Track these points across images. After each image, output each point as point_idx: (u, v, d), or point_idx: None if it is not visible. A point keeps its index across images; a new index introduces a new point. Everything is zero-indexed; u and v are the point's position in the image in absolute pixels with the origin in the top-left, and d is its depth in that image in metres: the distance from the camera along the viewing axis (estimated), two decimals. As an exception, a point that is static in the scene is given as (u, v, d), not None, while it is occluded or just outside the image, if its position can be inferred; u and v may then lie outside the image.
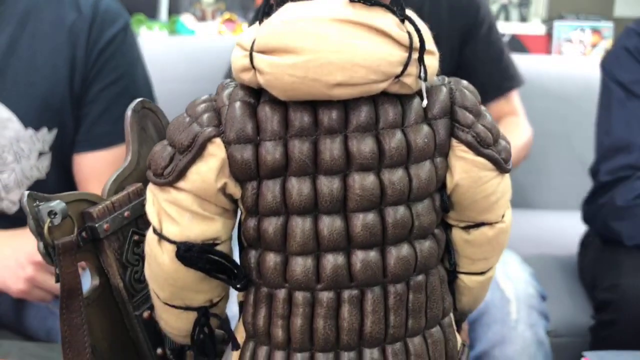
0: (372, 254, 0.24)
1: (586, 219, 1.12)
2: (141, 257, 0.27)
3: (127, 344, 0.28)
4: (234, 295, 0.27)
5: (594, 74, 1.53)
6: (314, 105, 0.24)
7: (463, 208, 0.28)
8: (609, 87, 1.06)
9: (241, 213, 0.26)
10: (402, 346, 0.25)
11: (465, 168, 0.27)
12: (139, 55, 1.03)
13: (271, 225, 0.24)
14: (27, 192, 0.27)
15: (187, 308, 0.26)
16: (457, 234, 0.28)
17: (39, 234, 0.25)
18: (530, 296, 0.93)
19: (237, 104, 0.25)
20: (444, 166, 0.27)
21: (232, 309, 0.28)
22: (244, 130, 0.25)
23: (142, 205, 0.26)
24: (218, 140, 0.25)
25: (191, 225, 0.25)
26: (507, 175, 0.30)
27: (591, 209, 1.07)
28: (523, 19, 2.36)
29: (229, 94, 0.26)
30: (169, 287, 0.25)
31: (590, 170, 1.12)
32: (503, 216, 0.29)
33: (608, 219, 1.00)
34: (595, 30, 2.19)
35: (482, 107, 0.28)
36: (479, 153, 0.27)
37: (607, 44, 2.15)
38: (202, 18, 2.28)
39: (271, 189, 0.24)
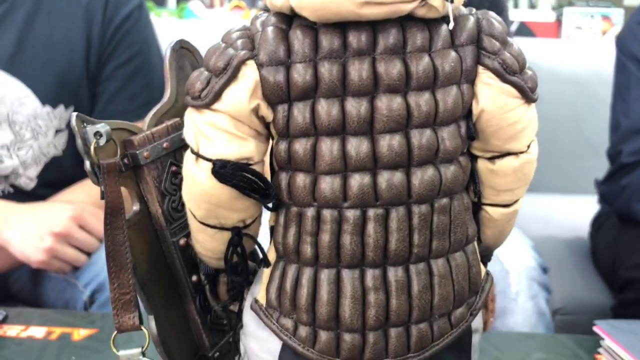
0: (398, 175, 0.25)
1: (605, 199, 1.12)
2: (179, 187, 0.29)
3: (164, 269, 0.30)
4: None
5: (603, 58, 1.53)
6: (343, 28, 0.25)
7: (488, 136, 0.28)
8: (625, 66, 1.05)
9: (273, 140, 0.27)
10: (425, 266, 0.26)
11: (491, 94, 0.28)
12: (154, 34, 1.05)
13: (301, 146, 0.25)
14: (75, 114, 0.28)
15: (222, 228, 0.27)
16: (483, 165, 0.29)
17: (85, 152, 0.27)
18: (530, 268, 0.94)
19: (270, 29, 0.26)
20: (471, 93, 0.28)
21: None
22: (276, 53, 0.26)
23: (180, 138, 0.27)
24: (251, 63, 0.26)
25: (226, 144, 0.26)
26: (533, 106, 0.30)
27: (612, 190, 1.06)
28: (532, 5, 2.35)
29: (261, 21, 0.27)
30: (205, 204, 0.26)
31: (608, 152, 1.11)
32: (528, 147, 0.29)
33: (632, 200, 1.00)
34: (606, 17, 2.18)
35: (509, 37, 0.29)
36: (504, 80, 0.28)
37: (617, 30, 2.14)
38: (210, 5, 2.29)
39: (301, 111, 0.25)
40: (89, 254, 0.88)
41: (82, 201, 0.90)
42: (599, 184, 1.13)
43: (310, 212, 0.26)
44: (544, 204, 1.53)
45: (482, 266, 0.30)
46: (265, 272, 0.27)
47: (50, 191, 0.96)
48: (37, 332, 0.70)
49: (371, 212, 0.25)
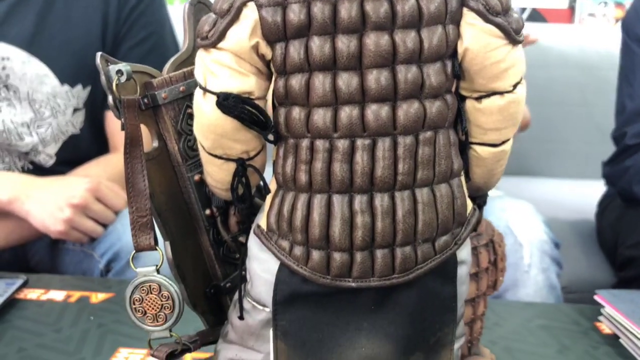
0: (384, 108, 0.27)
1: (609, 180, 1.13)
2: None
3: (181, 203, 0.32)
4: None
5: (613, 43, 1.53)
6: None
7: (473, 75, 0.29)
8: (631, 49, 1.06)
9: (273, 79, 0.29)
10: (410, 194, 0.28)
11: (475, 34, 0.29)
12: (167, 15, 1.07)
13: (297, 81, 0.28)
14: (100, 53, 0.31)
15: (227, 159, 0.30)
16: (470, 104, 0.30)
17: (108, 88, 0.29)
18: (543, 242, 0.95)
19: None
20: (456, 33, 0.29)
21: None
22: None
23: (196, 84, 0.29)
24: (251, 4, 0.28)
25: (229, 79, 0.28)
26: (519, 47, 0.31)
27: (615, 171, 1.07)
28: (544, -8, 2.34)
29: None
30: (211, 134, 0.29)
31: (613, 134, 1.12)
32: (515, 87, 0.30)
33: (634, 181, 1.00)
34: (619, 4, 2.17)
35: None
36: (487, 20, 0.29)
37: (630, 18, 2.12)
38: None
39: (297, 48, 0.28)
40: (105, 225, 0.91)
41: (98, 176, 0.93)
42: (604, 165, 1.14)
43: (304, 142, 0.28)
44: (553, 188, 1.54)
45: (469, 201, 0.31)
46: (267, 202, 0.30)
47: (68, 168, 0.99)
48: (57, 295, 0.74)
49: (359, 142, 0.27)
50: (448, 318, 0.30)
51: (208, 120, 0.29)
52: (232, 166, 0.30)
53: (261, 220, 0.30)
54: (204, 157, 0.30)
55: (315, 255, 0.28)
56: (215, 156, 0.30)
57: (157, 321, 0.30)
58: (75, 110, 1.02)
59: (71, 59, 0.99)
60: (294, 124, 0.28)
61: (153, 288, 0.30)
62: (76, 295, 0.74)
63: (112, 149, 1.08)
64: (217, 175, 0.31)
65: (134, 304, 0.30)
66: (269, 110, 0.30)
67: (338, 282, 0.28)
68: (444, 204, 0.29)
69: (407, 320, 0.29)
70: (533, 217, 1.01)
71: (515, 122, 0.31)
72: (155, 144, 0.32)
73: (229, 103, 0.28)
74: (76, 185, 0.89)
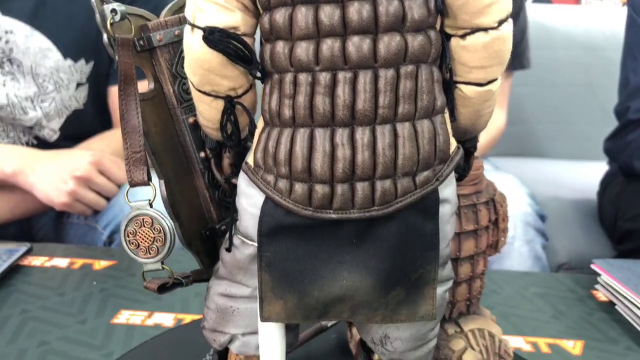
0: (366, 40, 0.27)
1: (610, 154, 1.13)
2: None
3: (176, 146, 0.33)
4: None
5: (618, 23, 1.51)
6: None
7: (456, 10, 0.29)
8: (636, 23, 1.05)
9: (259, 18, 0.30)
10: (391, 128, 0.28)
11: None
12: (169, -9, 1.07)
13: (280, 15, 0.28)
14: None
15: (216, 96, 0.30)
16: (455, 42, 0.30)
17: (103, 27, 0.30)
18: (526, 214, 0.96)
19: None
20: None
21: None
22: None
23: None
24: None
25: (216, 14, 0.28)
26: None
27: (617, 146, 1.07)
28: (551, -25, 2.32)
29: None
30: (199, 69, 0.29)
31: (616, 109, 1.11)
32: (500, 25, 0.29)
33: (635, 155, 1.00)
34: (626, -13, 2.14)
35: None
36: None
37: None
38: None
39: None
40: (108, 198, 0.93)
41: (101, 150, 0.94)
42: (606, 140, 1.14)
43: (288, 77, 0.28)
44: (556, 169, 1.53)
45: (452, 139, 0.31)
46: (255, 140, 0.31)
47: (72, 144, 1.01)
48: (60, 262, 0.75)
49: (341, 75, 0.28)
50: (430, 255, 0.30)
51: (196, 55, 0.29)
52: (220, 104, 0.31)
53: (249, 157, 0.31)
54: (194, 95, 0.31)
55: (298, 187, 0.29)
56: (204, 93, 0.30)
57: (150, 253, 0.31)
58: (79, 85, 1.03)
59: (74, 33, 1.00)
60: (278, 58, 0.29)
61: (146, 221, 0.30)
62: (79, 262, 0.75)
63: (115, 124, 1.09)
64: (208, 114, 0.31)
65: (128, 236, 0.31)
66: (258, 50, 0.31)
67: (319, 213, 0.29)
68: (425, 139, 0.29)
69: (387, 255, 0.29)
70: (517, 190, 1.01)
71: (501, 61, 0.30)
72: (152, 85, 0.32)
73: (214, 37, 0.28)
74: (80, 158, 0.90)
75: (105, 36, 0.29)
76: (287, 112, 0.29)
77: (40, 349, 0.55)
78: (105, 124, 1.08)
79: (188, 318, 0.61)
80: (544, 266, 0.94)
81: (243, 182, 0.31)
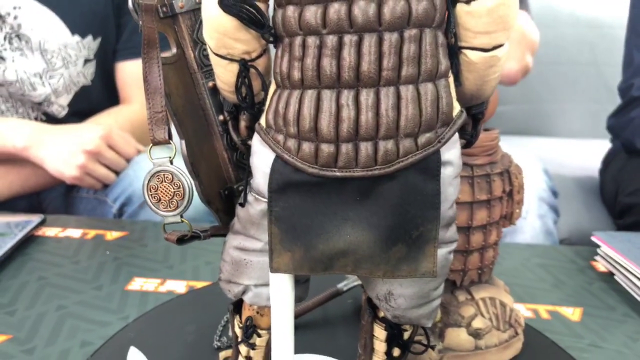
0: (371, 5, 0.28)
1: (613, 131, 1.14)
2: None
3: (197, 109, 0.34)
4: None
5: (624, 1, 1.51)
6: None
7: None
8: None
9: None
10: (394, 90, 0.29)
11: None
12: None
13: None
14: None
15: (231, 59, 0.32)
16: (459, 7, 0.30)
17: (129, -7, 0.31)
18: (541, 189, 0.97)
19: None
20: None
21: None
22: None
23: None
24: None
25: None
26: None
27: (620, 123, 1.08)
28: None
29: None
30: (215, 33, 0.30)
31: (620, 87, 1.12)
32: None
33: (637, 132, 1.01)
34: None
35: None
36: None
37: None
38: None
39: None
40: (117, 173, 0.94)
41: (109, 125, 0.95)
42: (609, 117, 1.15)
43: (297, 40, 0.30)
44: (560, 147, 1.54)
45: (456, 103, 0.32)
46: (267, 102, 0.32)
47: (80, 120, 1.02)
48: (74, 233, 0.77)
49: (346, 38, 0.29)
50: (431, 214, 0.31)
51: (212, 19, 0.30)
52: (236, 67, 0.32)
53: (262, 118, 0.33)
54: (212, 59, 0.32)
55: (305, 146, 0.30)
56: (220, 56, 0.32)
57: (170, 207, 0.32)
58: (86, 61, 1.04)
59: (81, 10, 1.00)
60: (288, 22, 0.30)
61: (167, 177, 0.32)
62: (92, 233, 0.77)
63: (122, 100, 1.10)
64: (224, 77, 0.33)
65: (150, 191, 0.32)
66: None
67: (325, 171, 0.30)
68: (428, 101, 0.30)
69: (389, 212, 0.30)
70: (533, 165, 1.02)
71: (506, 27, 0.30)
72: (174, 50, 0.34)
73: (229, 2, 0.29)
74: (89, 133, 0.91)
75: (130, 2, 0.30)
76: (296, 74, 0.30)
77: (58, 313, 0.57)
78: (112, 100, 1.09)
79: (199, 285, 0.63)
80: (555, 241, 0.96)
81: (256, 142, 0.33)
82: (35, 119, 1.02)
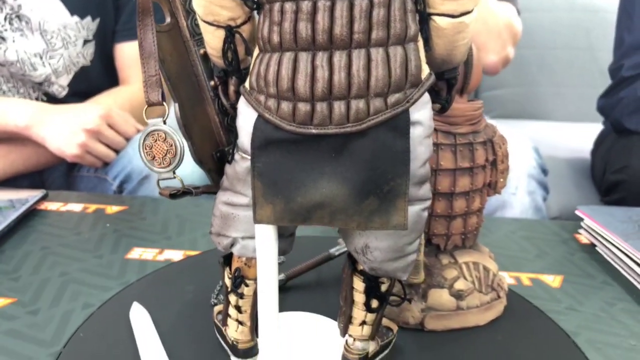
0: None
1: (603, 111, 1.16)
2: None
3: (190, 75, 0.37)
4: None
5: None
6: None
7: None
8: None
9: None
10: (365, 52, 0.31)
11: None
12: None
13: None
14: None
15: (218, 25, 0.34)
16: None
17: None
18: (530, 166, 0.99)
19: None
20: None
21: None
22: None
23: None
24: None
25: None
26: None
27: (609, 103, 1.10)
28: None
29: None
30: (202, 0, 0.33)
31: (610, 68, 1.14)
32: None
33: (625, 112, 1.03)
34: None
35: None
36: None
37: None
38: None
39: None
40: (117, 151, 0.96)
41: (109, 105, 0.97)
42: (599, 98, 1.17)
43: (276, 6, 0.32)
44: (553, 130, 1.56)
45: (425, 66, 0.34)
46: (251, 66, 0.35)
47: (80, 100, 1.04)
48: (75, 207, 0.79)
49: (320, 4, 0.31)
50: (400, 170, 0.33)
51: None
52: (222, 33, 0.34)
53: (247, 82, 0.35)
54: (201, 26, 0.34)
55: (284, 105, 0.32)
56: (208, 23, 0.34)
57: (163, 164, 0.35)
58: (86, 42, 1.05)
59: (80, -10, 1.02)
60: None
61: (160, 136, 0.35)
62: (92, 207, 0.79)
63: (121, 81, 1.12)
64: (212, 43, 0.35)
65: (145, 149, 0.35)
66: None
67: (302, 128, 0.32)
68: (397, 63, 0.32)
69: (361, 167, 0.33)
70: (523, 143, 1.05)
71: None
72: (169, 20, 0.36)
73: None
74: (89, 112, 0.93)
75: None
76: (275, 38, 0.32)
77: (61, 278, 0.60)
78: (112, 81, 1.11)
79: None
80: (543, 217, 0.98)
81: (241, 103, 0.35)
82: (36, 99, 1.04)
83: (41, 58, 1.01)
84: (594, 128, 1.31)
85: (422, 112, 0.34)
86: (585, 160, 1.32)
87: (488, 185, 0.53)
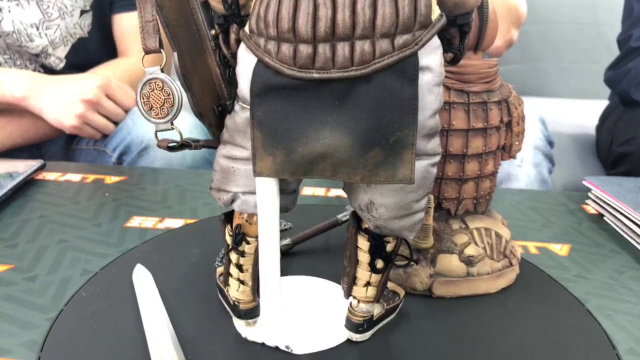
0: None
1: (610, 83, 1.14)
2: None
3: (190, 23, 0.35)
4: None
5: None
6: None
7: None
8: None
9: None
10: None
11: None
12: None
13: None
14: None
15: None
16: None
17: None
18: (537, 138, 0.98)
19: None
20: None
21: None
22: None
23: None
24: None
25: None
26: None
27: (617, 74, 1.08)
28: None
29: None
30: None
31: (618, 38, 1.12)
32: None
33: (633, 82, 1.01)
34: None
35: None
36: None
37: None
38: None
39: None
40: (116, 123, 0.95)
41: (107, 76, 0.95)
42: (606, 70, 1.15)
43: None
44: (559, 106, 1.54)
45: (436, 7, 0.32)
46: (251, 9, 0.33)
47: (78, 72, 1.02)
48: (74, 177, 0.78)
49: None
50: (408, 119, 0.31)
51: None
52: None
53: (246, 26, 0.34)
54: None
55: (284, 48, 0.31)
56: None
57: (161, 114, 0.33)
58: (83, 12, 1.03)
59: (76, -41, 0.99)
60: None
61: (157, 85, 0.33)
62: (91, 177, 0.78)
63: (120, 53, 1.10)
64: None
65: (143, 98, 0.33)
66: None
67: (303, 73, 0.31)
68: (406, 1, 0.30)
69: (366, 116, 0.31)
70: (529, 114, 1.03)
71: None
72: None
73: None
74: (87, 82, 0.92)
75: None
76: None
77: (59, 246, 0.59)
78: (110, 53, 1.09)
79: (197, 222, 0.65)
80: (549, 189, 0.97)
81: (241, 50, 0.33)
82: (33, 71, 1.03)
83: (37, 29, 0.99)
84: (599, 105, 1.29)
85: (431, 57, 0.32)
86: (589, 136, 1.30)
87: (502, 148, 0.51)
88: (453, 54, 0.35)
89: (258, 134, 0.33)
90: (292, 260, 0.55)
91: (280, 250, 0.55)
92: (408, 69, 0.31)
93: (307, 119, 0.32)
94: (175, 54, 0.33)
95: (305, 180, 0.81)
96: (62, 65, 1.04)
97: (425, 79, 0.32)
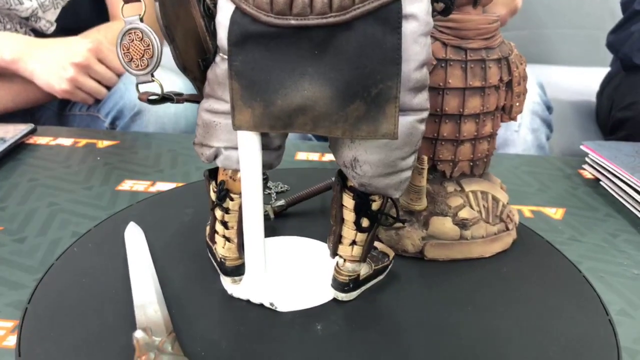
0: None
1: (612, 47, 1.12)
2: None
3: (190, 23, 0.34)
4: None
5: None
6: None
7: None
8: None
9: None
10: None
11: None
12: None
13: None
14: None
15: None
16: None
17: None
18: (534, 103, 0.96)
19: None
20: None
21: None
22: None
23: None
24: None
25: None
26: None
27: (619, 38, 1.06)
28: None
29: None
30: None
31: (622, 1, 1.09)
32: None
33: (635, 47, 0.99)
34: None
35: None
36: None
37: None
38: None
39: None
40: (108, 88, 0.93)
41: (99, 39, 0.93)
42: (609, 33, 1.12)
43: None
44: (560, 74, 1.52)
45: None
46: None
47: (69, 36, 1.00)
48: (65, 141, 0.77)
49: None
50: (390, 70, 0.30)
51: None
52: None
53: None
54: None
55: None
56: None
57: (141, 66, 0.33)
58: (73, -26, 1.01)
59: None
60: None
61: (137, 35, 0.32)
62: (83, 142, 0.77)
63: (112, 17, 1.07)
64: None
65: (123, 50, 0.33)
66: None
67: (280, 19, 0.29)
68: None
69: (346, 66, 0.30)
70: (528, 80, 1.01)
71: None
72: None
73: None
74: (78, 45, 0.90)
75: None
76: None
77: (49, 209, 0.58)
78: (102, 17, 1.06)
79: (189, 185, 0.64)
80: (546, 155, 0.96)
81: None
82: (24, 35, 1.00)
83: (26, -10, 0.97)
84: (601, 72, 1.27)
85: (417, 4, 0.30)
86: (590, 103, 1.28)
87: (502, 109, 0.49)
88: (444, 3, 0.34)
89: (236, 85, 0.32)
90: (286, 221, 0.54)
91: (274, 211, 0.55)
92: (391, 16, 0.29)
93: (286, 70, 0.30)
94: (157, 3, 0.32)
95: (299, 145, 0.80)
96: (52, 29, 1.02)
97: (410, 28, 0.30)
